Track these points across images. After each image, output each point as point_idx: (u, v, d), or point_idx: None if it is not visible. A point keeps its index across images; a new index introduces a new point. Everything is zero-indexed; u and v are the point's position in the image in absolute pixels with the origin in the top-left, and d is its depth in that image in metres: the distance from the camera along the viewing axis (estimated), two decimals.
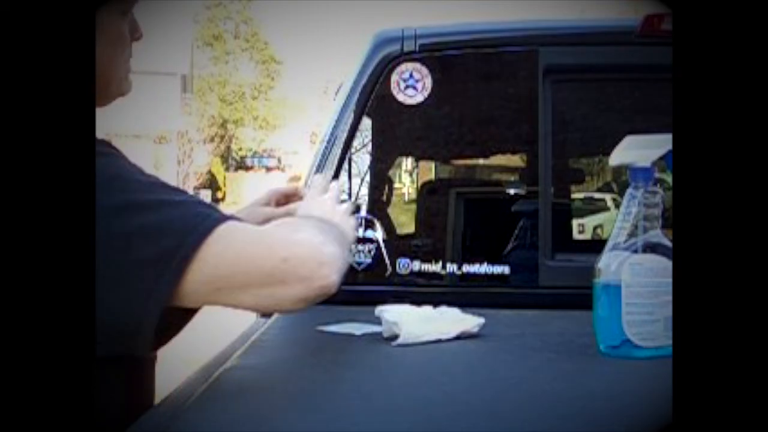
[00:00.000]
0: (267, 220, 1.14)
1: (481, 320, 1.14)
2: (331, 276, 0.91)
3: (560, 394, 0.88)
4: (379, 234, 1.34)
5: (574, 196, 2.89)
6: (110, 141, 0.93)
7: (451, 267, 1.63)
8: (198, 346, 2.18)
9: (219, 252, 0.87)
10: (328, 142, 1.68)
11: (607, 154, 1.08)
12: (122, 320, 0.85)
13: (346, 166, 1.67)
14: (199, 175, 29.79)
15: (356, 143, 1.68)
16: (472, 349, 1.09)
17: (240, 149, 34.74)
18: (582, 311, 1.07)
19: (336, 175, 1.66)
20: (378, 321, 1.14)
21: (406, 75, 1.66)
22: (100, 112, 0.94)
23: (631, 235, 1.03)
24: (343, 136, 1.67)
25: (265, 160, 35.53)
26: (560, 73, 1.68)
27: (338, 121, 1.68)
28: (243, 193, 31.05)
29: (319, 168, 1.67)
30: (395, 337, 1.09)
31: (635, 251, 1.02)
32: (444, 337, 1.10)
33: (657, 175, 1.05)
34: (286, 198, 1.35)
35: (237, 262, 0.88)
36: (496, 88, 1.77)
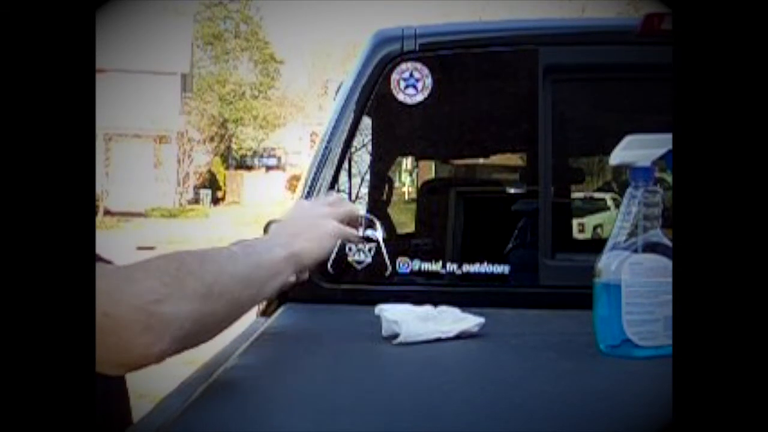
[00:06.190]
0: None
1: (481, 320, 1.14)
2: (155, 344, 0.77)
3: (560, 393, 0.88)
4: (379, 233, 1.34)
5: (574, 195, 2.89)
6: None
7: (451, 266, 1.63)
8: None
9: None
10: (328, 142, 1.68)
11: (607, 153, 1.08)
12: None
13: (346, 165, 1.67)
14: (199, 175, 29.79)
15: (356, 143, 1.68)
16: (472, 348, 1.09)
17: (240, 148, 34.76)
18: (582, 311, 1.07)
19: (336, 175, 1.66)
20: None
21: (406, 74, 1.66)
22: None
23: (631, 234, 1.03)
24: (343, 135, 1.66)
25: (265, 159, 35.55)
26: (560, 72, 1.68)
27: (338, 120, 1.67)
28: (243, 192, 31.07)
29: (319, 167, 1.67)
30: (395, 335, 1.09)
31: (635, 251, 1.02)
32: (444, 336, 1.10)
33: (657, 174, 1.05)
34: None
35: None
36: (496, 88, 1.77)
